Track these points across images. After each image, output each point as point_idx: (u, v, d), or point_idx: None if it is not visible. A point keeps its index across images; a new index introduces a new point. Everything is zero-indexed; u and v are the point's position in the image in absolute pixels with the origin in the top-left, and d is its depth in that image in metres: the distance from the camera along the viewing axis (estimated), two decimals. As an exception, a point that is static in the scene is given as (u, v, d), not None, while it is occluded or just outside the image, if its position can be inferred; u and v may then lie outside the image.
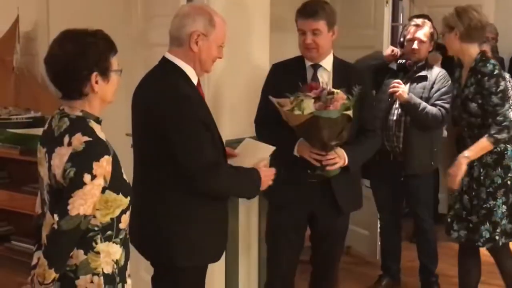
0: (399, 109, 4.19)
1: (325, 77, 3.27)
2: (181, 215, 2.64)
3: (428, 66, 4.29)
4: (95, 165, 2.08)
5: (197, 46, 2.66)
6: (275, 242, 3.42)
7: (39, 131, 4.81)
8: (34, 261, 2.28)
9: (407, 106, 4.10)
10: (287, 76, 3.22)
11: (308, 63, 3.29)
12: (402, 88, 4.10)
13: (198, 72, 2.74)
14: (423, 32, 4.20)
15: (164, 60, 2.71)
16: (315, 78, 3.24)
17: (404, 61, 4.27)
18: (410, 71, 4.23)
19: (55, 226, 2.08)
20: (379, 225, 4.73)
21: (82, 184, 2.07)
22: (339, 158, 3.13)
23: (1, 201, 5.09)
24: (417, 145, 4.18)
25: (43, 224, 2.21)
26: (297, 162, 3.16)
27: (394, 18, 6.25)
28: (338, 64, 3.33)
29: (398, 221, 4.54)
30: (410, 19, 5.83)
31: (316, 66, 3.27)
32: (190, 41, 2.65)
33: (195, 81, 2.73)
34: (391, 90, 4.12)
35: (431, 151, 4.28)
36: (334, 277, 3.64)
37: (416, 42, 4.18)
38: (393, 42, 5.74)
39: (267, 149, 2.94)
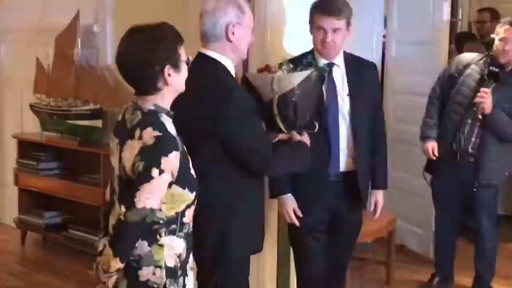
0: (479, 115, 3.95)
1: (339, 74, 3.22)
2: (234, 206, 2.69)
3: None
4: (163, 160, 2.11)
5: (234, 36, 2.69)
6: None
7: (97, 123, 5.02)
8: (100, 247, 2.30)
9: (488, 120, 3.91)
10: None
11: (322, 61, 3.16)
12: (488, 101, 3.83)
13: (235, 62, 2.79)
14: None
15: (202, 56, 2.72)
16: (330, 76, 3.14)
17: (496, 69, 3.94)
18: (501, 76, 3.95)
19: (122, 217, 2.12)
20: (434, 223, 4.66)
21: (149, 178, 2.10)
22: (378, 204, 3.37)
23: (59, 191, 5.17)
24: (494, 155, 4.00)
25: (111, 212, 2.27)
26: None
27: (453, 13, 6.14)
28: (348, 59, 3.26)
29: (456, 221, 4.39)
30: (481, 11, 5.78)
31: (331, 65, 3.18)
32: (227, 33, 2.68)
33: (233, 73, 2.77)
34: (477, 99, 3.85)
35: (505, 160, 4.10)
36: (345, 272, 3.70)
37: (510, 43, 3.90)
38: (451, 38, 5.66)
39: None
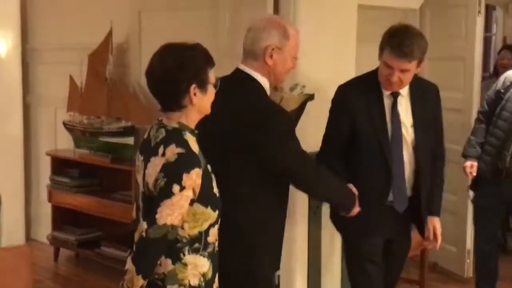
0: None
1: (403, 103, 3.07)
2: (262, 224, 2.68)
3: None
4: (185, 176, 2.11)
5: (272, 60, 2.67)
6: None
7: (129, 140, 5.05)
8: (127, 266, 2.31)
9: None
10: (363, 101, 3.04)
11: (386, 92, 3.05)
12: None
13: (272, 83, 2.79)
14: None
15: (240, 73, 2.72)
16: (394, 107, 3.04)
17: None
18: None
19: (144, 234, 2.13)
20: (472, 242, 4.56)
21: (170, 194, 2.11)
22: (437, 231, 3.22)
23: (91, 208, 5.22)
24: None
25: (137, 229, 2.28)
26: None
27: (487, 28, 6.09)
28: (412, 85, 3.08)
29: (497, 240, 4.29)
30: None
31: (396, 94, 3.05)
32: (265, 55, 2.66)
33: (268, 92, 2.77)
34: None
35: None
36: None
37: None
38: (486, 54, 5.61)
39: None
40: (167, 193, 2.11)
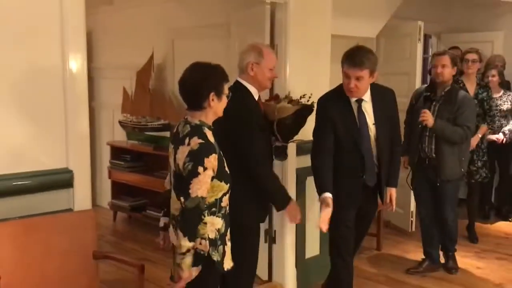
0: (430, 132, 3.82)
1: (367, 107, 3.01)
2: (247, 191, 2.70)
3: (454, 90, 3.82)
4: (206, 160, 2.12)
5: (253, 72, 2.79)
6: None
7: (166, 133, 5.03)
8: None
9: (434, 131, 3.76)
10: (337, 109, 2.99)
11: (353, 99, 3.00)
12: (428, 118, 3.68)
13: (258, 89, 2.86)
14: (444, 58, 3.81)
15: (237, 83, 2.82)
16: (360, 110, 3.00)
17: (427, 93, 3.84)
18: (432, 98, 3.81)
19: (183, 205, 2.13)
20: (414, 206, 4.48)
21: (197, 174, 2.12)
22: (393, 198, 3.21)
23: (139, 182, 5.22)
24: (448, 156, 3.78)
25: (170, 197, 2.30)
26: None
27: (425, 51, 6.05)
28: (373, 90, 3.03)
29: (432, 213, 4.04)
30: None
31: (359, 100, 3.00)
32: (247, 69, 2.79)
33: (256, 97, 2.84)
34: (420, 119, 3.69)
35: (460, 160, 3.84)
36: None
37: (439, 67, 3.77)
38: (424, 70, 5.58)
39: None
40: (194, 173, 2.12)
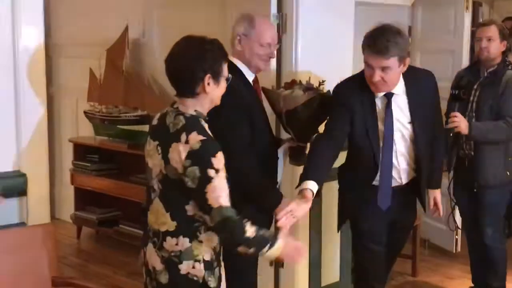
0: (472, 116, 3.72)
1: (401, 102, 2.92)
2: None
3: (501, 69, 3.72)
4: (213, 160, 2.11)
5: (240, 46, 2.81)
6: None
7: (145, 127, 5.04)
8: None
9: (472, 138, 3.63)
10: (358, 103, 2.90)
11: (379, 94, 2.89)
12: (460, 123, 3.47)
13: (251, 69, 2.85)
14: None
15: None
16: (388, 109, 2.89)
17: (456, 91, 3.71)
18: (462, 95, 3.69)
19: (211, 223, 2.15)
20: (460, 220, 4.41)
21: (210, 179, 2.10)
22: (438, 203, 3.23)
23: (110, 189, 5.23)
24: (489, 155, 3.71)
25: (148, 209, 2.29)
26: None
27: (475, 23, 6.03)
28: (406, 78, 2.92)
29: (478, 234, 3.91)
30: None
31: (389, 95, 2.89)
32: (235, 42, 2.82)
33: (250, 78, 2.83)
34: (450, 125, 3.45)
35: (506, 160, 3.75)
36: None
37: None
38: (473, 47, 5.57)
39: None
40: (206, 180, 2.10)
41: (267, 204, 2.74)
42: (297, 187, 2.73)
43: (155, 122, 2.31)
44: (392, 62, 2.75)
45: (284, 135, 3.30)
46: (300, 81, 3.07)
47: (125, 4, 5.25)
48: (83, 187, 5.47)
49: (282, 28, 3.66)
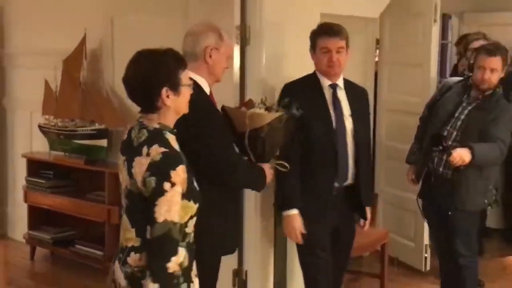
0: (458, 135, 3.71)
1: (341, 95, 3.36)
2: (208, 211, 2.60)
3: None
4: (172, 173, 2.15)
5: (211, 59, 2.87)
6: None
7: (103, 142, 5.04)
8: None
9: (475, 163, 3.59)
10: (306, 96, 3.25)
11: (326, 83, 3.34)
12: (462, 157, 3.51)
13: (210, 82, 2.92)
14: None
15: None
16: (335, 97, 3.34)
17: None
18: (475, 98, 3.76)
19: (148, 235, 2.16)
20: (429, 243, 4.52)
21: (163, 192, 2.14)
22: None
23: (66, 208, 5.17)
24: (472, 182, 3.71)
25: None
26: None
27: (444, 36, 6.19)
28: (345, 82, 3.41)
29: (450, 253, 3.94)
30: (464, 38, 5.43)
31: (334, 86, 3.35)
32: (205, 55, 2.86)
33: (207, 91, 2.90)
34: (453, 164, 3.55)
35: (486, 188, 3.81)
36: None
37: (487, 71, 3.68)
38: (442, 60, 5.70)
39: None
40: (159, 192, 2.14)
41: (260, 184, 3.03)
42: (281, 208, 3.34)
43: (124, 137, 2.37)
44: (345, 44, 3.29)
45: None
46: (263, 99, 3.14)
47: (83, 12, 5.21)
48: (37, 205, 5.40)
49: (245, 40, 3.71)
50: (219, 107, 3.00)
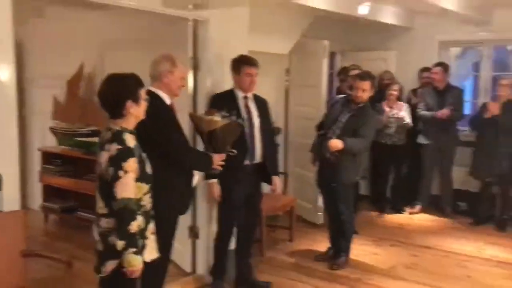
0: (339, 133, 3.80)
1: (251, 103, 3.45)
2: (165, 182, 2.63)
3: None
4: (124, 164, 2.11)
5: (167, 79, 2.81)
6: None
7: (95, 139, 4.89)
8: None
9: (345, 150, 3.73)
10: (226, 104, 3.27)
11: (241, 95, 3.42)
12: (336, 145, 3.70)
13: (170, 96, 2.86)
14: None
15: (149, 91, 2.69)
16: (247, 105, 3.43)
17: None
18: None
19: (114, 208, 2.11)
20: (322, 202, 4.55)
21: (118, 177, 2.10)
22: (278, 185, 3.62)
23: (70, 185, 5.06)
24: (347, 164, 3.81)
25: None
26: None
27: (331, 67, 6.31)
28: (254, 95, 3.48)
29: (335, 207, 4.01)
30: (345, 69, 5.65)
31: (246, 97, 3.44)
32: (162, 77, 2.80)
33: (168, 102, 2.84)
34: (331, 150, 3.72)
35: (358, 168, 3.93)
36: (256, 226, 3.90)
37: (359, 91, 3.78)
38: (330, 83, 5.81)
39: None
40: (116, 177, 2.11)
41: (205, 167, 2.98)
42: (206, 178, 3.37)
43: (100, 136, 2.31)
44: (257, 71, 3.40)
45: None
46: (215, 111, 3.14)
47: (83, 47, 5.08)
48: (49, 184, 5.24)
49: (197, 67, 3.68)
50: (180, 114, 2.94)
